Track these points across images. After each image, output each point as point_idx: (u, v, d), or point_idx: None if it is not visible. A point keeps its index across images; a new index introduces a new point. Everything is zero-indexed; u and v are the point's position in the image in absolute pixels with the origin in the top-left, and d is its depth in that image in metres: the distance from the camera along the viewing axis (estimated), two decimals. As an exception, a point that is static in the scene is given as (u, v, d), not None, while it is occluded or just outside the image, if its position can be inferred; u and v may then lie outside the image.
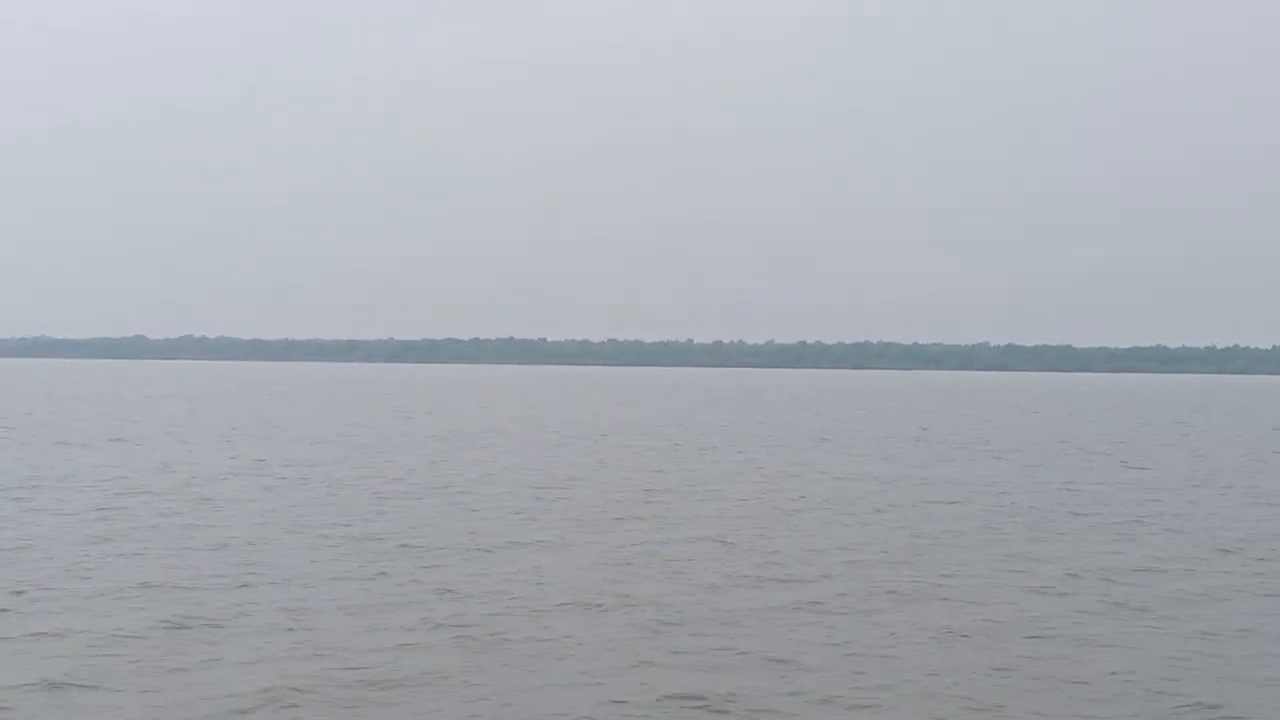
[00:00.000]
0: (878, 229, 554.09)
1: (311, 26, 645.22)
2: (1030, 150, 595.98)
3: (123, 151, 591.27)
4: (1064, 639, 15.89)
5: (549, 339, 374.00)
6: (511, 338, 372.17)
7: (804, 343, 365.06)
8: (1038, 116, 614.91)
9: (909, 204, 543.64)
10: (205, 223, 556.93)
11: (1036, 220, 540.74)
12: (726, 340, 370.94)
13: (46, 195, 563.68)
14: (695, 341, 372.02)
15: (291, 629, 15.73)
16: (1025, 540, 24.22)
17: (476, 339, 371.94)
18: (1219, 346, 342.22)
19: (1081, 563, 21.57)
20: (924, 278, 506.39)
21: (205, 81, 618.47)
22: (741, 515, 27.36)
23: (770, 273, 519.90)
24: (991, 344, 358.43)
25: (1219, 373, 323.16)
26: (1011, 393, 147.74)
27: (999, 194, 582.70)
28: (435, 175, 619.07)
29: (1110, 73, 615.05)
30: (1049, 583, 19.72)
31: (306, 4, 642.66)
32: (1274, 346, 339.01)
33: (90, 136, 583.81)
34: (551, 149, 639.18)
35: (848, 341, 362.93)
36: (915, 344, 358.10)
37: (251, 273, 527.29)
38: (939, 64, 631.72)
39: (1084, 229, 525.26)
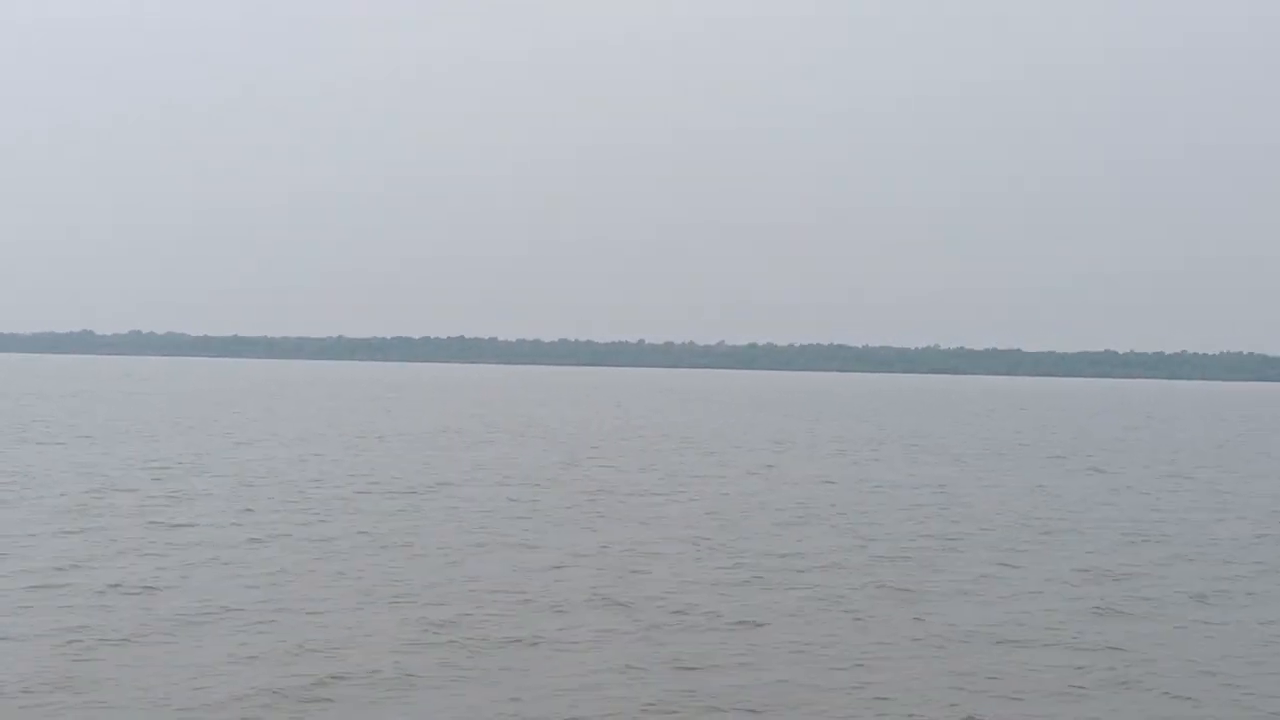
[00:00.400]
0: (878, 229, 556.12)
1: (311, 26, 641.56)
2: (1030, 150, 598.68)
3: (113, 151, 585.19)
4: (1061, 646, 15.72)
5: (500, 338, 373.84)
6: (462, 337, 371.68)
7: (754, 345, 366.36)
8: (1038, 116, 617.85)
9: (909, 204, 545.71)
10: (164, 222, 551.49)
11: (1036, 220, 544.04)
12: (678, 341, 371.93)
13: (14, 193, 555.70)
14: (646, 342, 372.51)
15: (275, 629, 15.35)
16: (1007, 544, 24.06)
17: (427, 338, 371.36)
18: (1167, 352, 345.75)
19: (1069, 565, 21.50)
20: (924, 278, 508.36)
21: (204, 81, 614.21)
22: (717, 516, 27.12)
23: (770, 273, 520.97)
24: (941, 347, 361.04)
25: (1169, 378, 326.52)
26: (961, 396, 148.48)
27: (999, 194, 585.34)
28: (435, 175, 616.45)
29: (1110, 73, 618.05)
30: (1038, 587, 19.57)
31: (306, 4, 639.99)
32: (1221, 352, 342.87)
33: (87, 136, 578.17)
34: (551, 149, 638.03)
35: (799, 344, 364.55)
36: (866, 347, 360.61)
37: (205, 272, 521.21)
38: (939, 64, 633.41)
39: (1084, 229, 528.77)
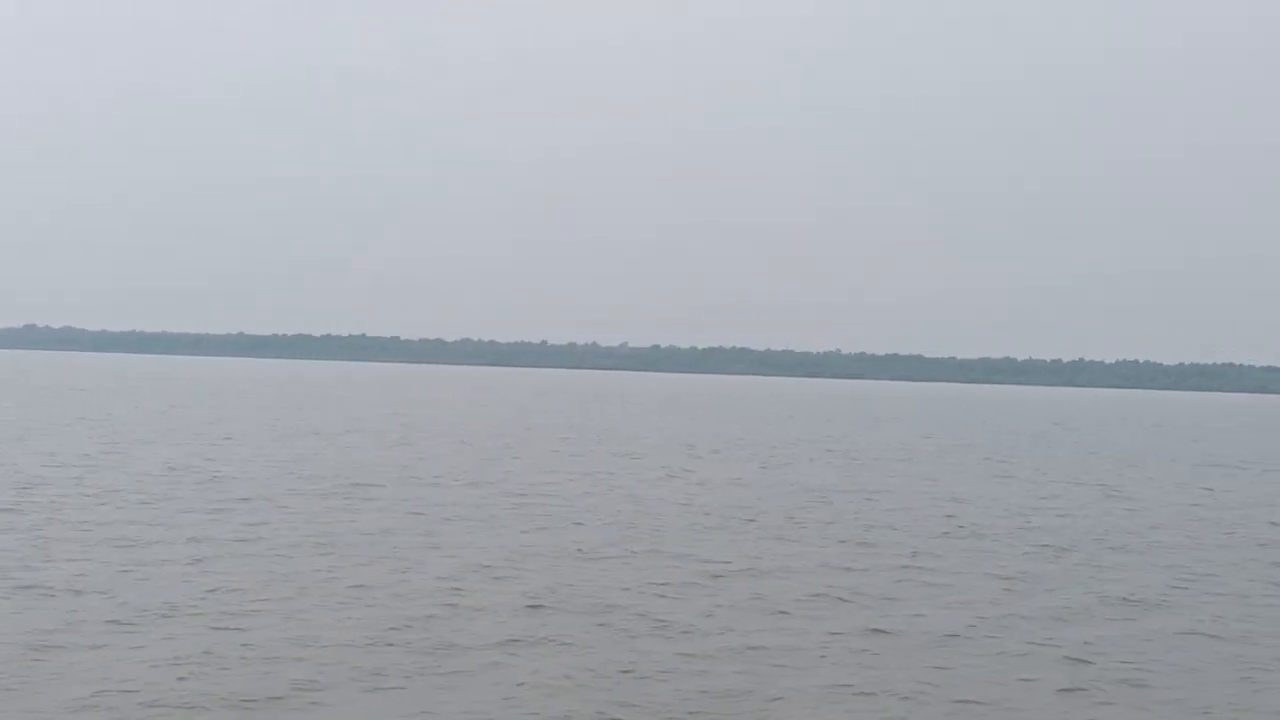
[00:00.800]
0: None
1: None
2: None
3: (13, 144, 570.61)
4: (1010, 653, 15.81)
5: (401, 337, 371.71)
6: (364, 335, 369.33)
7: (657, 346, 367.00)
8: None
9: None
10: (61, 218, 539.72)
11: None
12: (581, 342, 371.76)
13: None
14: (549, 343, 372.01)
15: (215, 633, 15.06)
16: (939, 549, 24.19)
17: (329, 335, 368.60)
18: (1065, 360, 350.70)
19: (1001, 570, 21.64)
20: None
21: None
22: (646, 520, 27.05)
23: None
24: (843, 352, 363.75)
25: (1067, 385, 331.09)
26: (866, 401, 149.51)
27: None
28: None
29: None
30: (975, 592, 19.70)
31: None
32: (1118, 361, 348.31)
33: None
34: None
35: (701, 346, 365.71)
36: (768, 349, 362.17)
37: (100, 268, 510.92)
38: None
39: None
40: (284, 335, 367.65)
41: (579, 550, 22.44)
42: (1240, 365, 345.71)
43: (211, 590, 17.59)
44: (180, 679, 13.02)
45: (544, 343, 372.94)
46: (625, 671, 14.04)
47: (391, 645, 14.75)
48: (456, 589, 18.37)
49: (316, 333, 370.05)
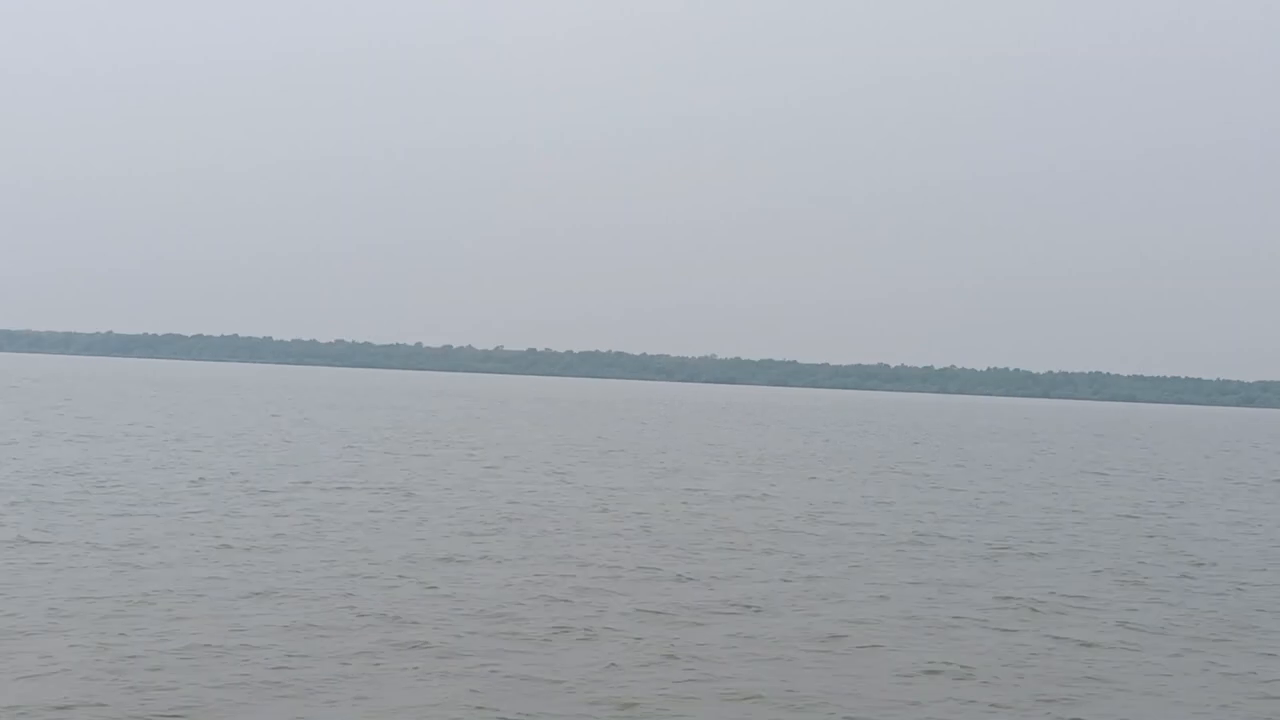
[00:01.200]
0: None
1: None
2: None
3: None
4: (935, 662, 15.76)
5: (275, 337, 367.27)
6: (236, 335, 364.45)
7: (534, 350, 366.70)
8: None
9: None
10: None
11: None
12: (456, 345, 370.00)
13: None
14: (424, 345, 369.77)
15: (101, 638, 14.57)
16: (834, 555, 24.22)
17: (200, 335, 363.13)
18: (937, 367, 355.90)
19: (906, 576, 21.72)
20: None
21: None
22: (536, 524, 26.77)
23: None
24: (719, 356, 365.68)
25: (940, 392, 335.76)
26: (741, 407, 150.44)
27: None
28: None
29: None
30: (874, 598, 19.70)
31: None
32: (989, 368, 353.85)
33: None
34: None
35: (578, 350, 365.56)
36: (644, 354, 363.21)
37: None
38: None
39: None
40: (154, 334, 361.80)
41: (484, 556, 22.12)
42: (1108, 374, 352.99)
43: (125, 596, 17.15)
44: (104, 688, 12.67)
45: (419, 345, 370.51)
46: (551, 681, 13.82)
47: (306, 656, 14.36)
48: (360, 594, 17.99)
49: (188, 332, 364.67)
